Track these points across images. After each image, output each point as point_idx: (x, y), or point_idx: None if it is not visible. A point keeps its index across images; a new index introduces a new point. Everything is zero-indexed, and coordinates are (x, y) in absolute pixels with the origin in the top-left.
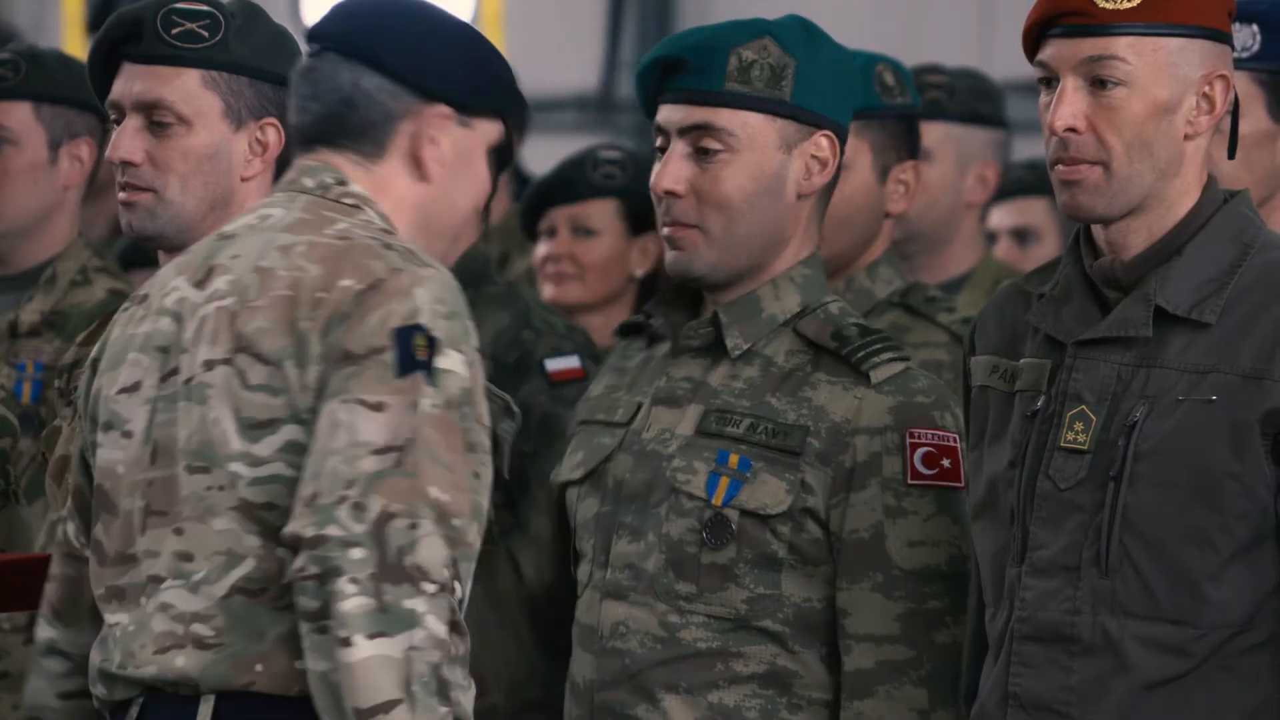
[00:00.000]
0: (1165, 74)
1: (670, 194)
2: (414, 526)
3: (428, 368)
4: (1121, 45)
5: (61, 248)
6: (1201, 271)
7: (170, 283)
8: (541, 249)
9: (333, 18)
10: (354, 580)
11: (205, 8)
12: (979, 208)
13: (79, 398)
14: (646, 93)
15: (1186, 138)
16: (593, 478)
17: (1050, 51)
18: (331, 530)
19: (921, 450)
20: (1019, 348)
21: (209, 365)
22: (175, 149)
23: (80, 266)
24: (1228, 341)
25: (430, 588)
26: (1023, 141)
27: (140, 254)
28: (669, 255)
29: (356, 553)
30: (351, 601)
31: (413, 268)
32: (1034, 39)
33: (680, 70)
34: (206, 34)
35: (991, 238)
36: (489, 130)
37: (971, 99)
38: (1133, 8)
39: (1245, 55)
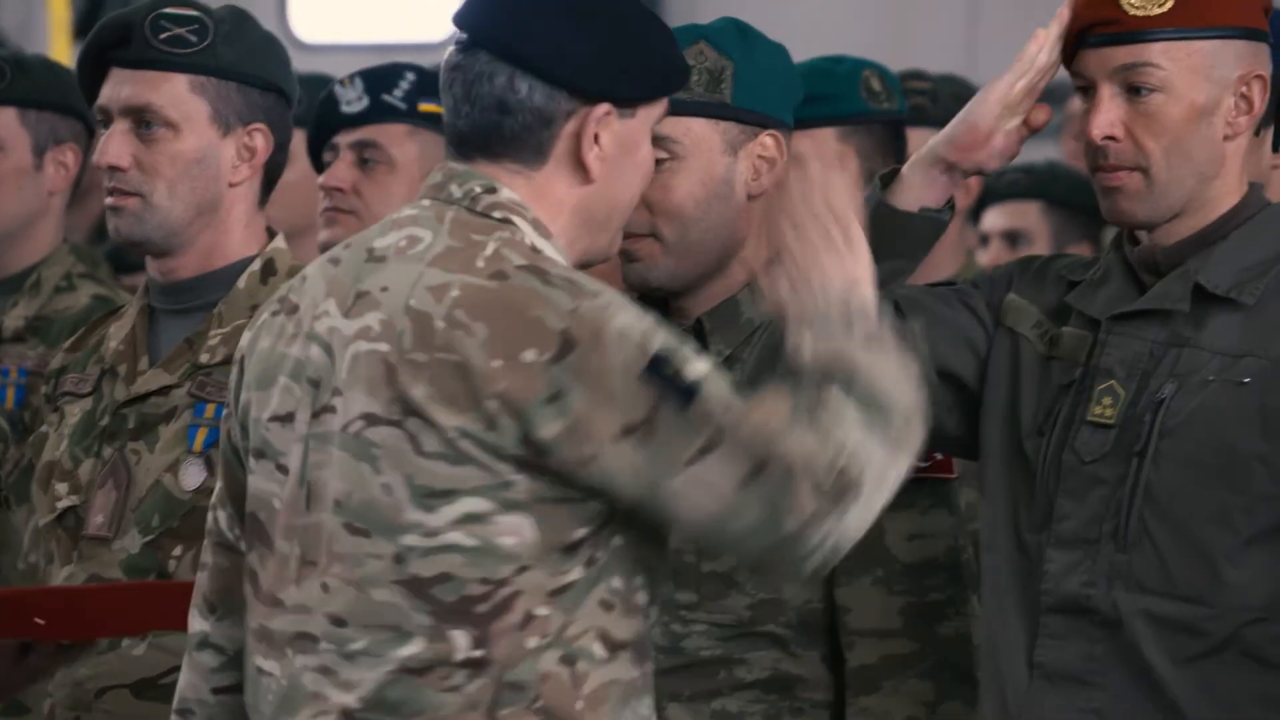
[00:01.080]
0: (1201, 77)
1: None
2: (850, 453)
3: (698, 388)
4: (1155, 51)
5: (46, 253)
6: (1245, 257)
7: (321, 304)
8: None
9: (481, 12)
10: (848, 526)
11: (193, 13)
12: (962, 213)
13: (229, 389)
14: None
15: (1226, 139)
16: None
17: (1085, 60)
18: (811, 554)
19: None
20: (1060, 320)
21: (371, 420)
22: (163, 154)
23: (65, 272)
24: (1265, 326)
25: (860, 453)
26: None
27: (130, 258)
28: (625, 267)
29: (830, 525)
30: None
31: (582, 302)
32: (1071, 50)
33: None
34: (195, 39)
35: (984, 240)
36: (652, 112)
37: (955, 105)
38: (1164, 12)
39: None
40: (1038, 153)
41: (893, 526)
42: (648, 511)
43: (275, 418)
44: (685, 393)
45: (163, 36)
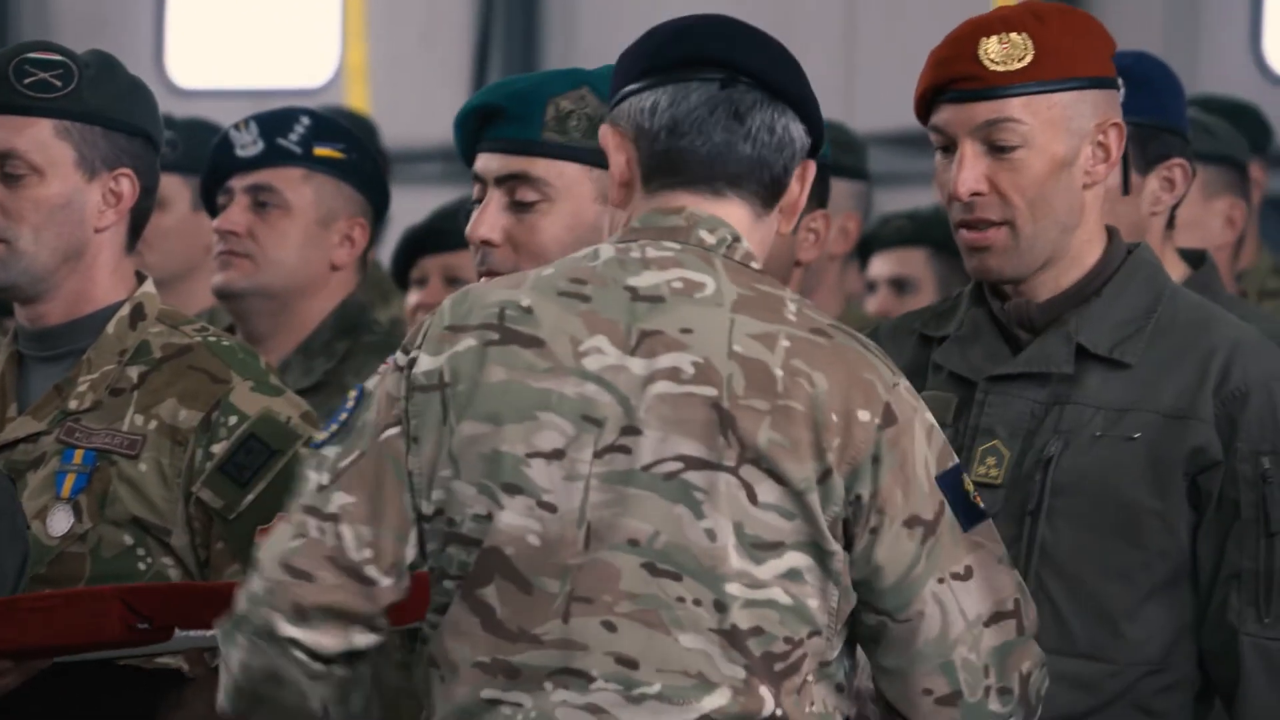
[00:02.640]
0: (1061, 129)
1: (486, 243)
2: (1042, 665)
3: (984, 513)
4: (1016, 106)
5: None
6: (1119, 313)
7: (585, 340)
8: (413, 298)
9: (739, 44)
10: None
11: (58, 57)
12: (840, 259)
13: (413, 415)
14: (465, 141)
15: (1085, 187)
16: None
17: (945, 116)
18: None
19: None
20: (918, 383)
21: (697, 464)
22: (27, 199)
23: None
24: (1148, 381)
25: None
26: (884, 194)
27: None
28: None
29: None
30: None
31: (900, 380)
32: (927, 104)
33: (498, 119)
34: (59, 84)
35: (871, 287)
36: None
37: (834, 151)
38: (1023, 68)
39: None
40: (923, 199)
41: None
42: (890, 602)
43: (538, 454)
44: (974, 514)
45: (27, 81)
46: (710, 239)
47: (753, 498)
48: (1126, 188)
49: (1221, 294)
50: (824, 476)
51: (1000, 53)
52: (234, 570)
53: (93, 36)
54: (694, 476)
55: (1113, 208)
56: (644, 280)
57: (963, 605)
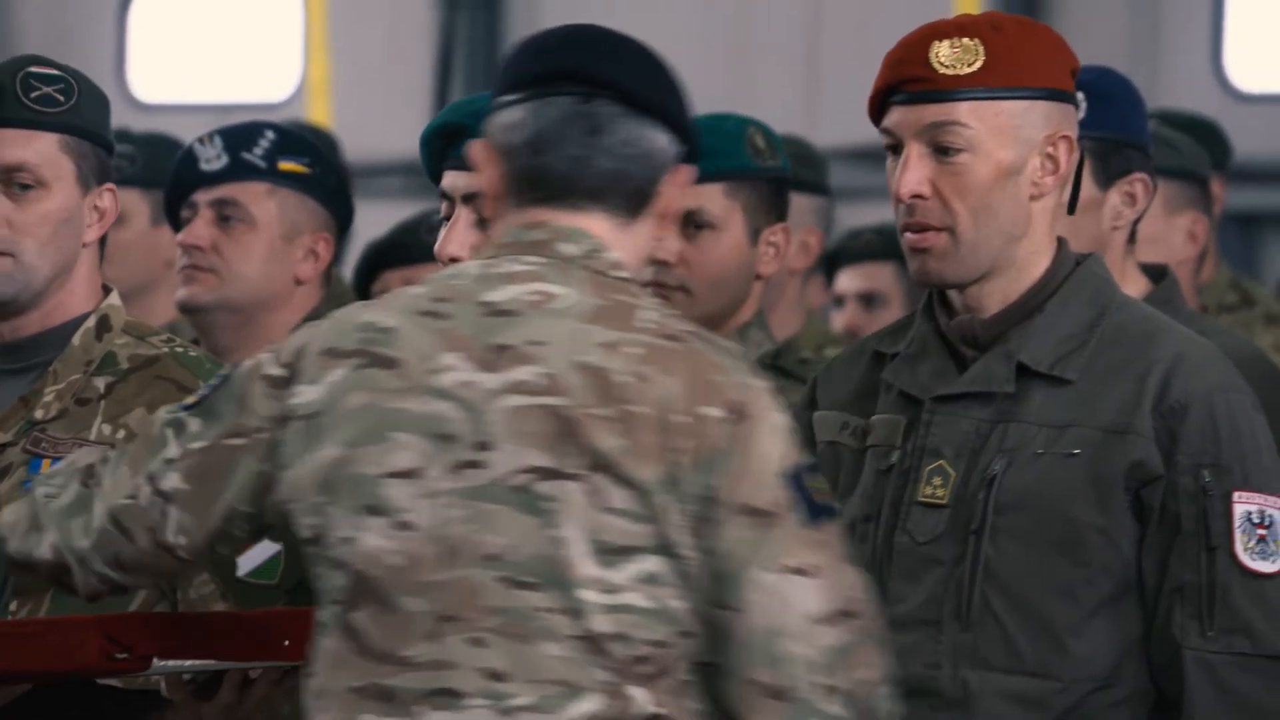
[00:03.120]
0: (1008, 137)
1: (455, 260)
2: (885, 682)
3: (832, 510)
4: (963, 110)
5: None
6: (1061, 329)
7: (437, 358)
8: None
9: (597, 57)
10: None
11: (58, 72)
12: (801, 274)
13: (282, 445)
14: (431, 159)
15: (1032, 199)
16: None
17: (894, 118)
18: None
19: None
20: (869, 405)
21: (547, 474)
22: (34, 213)
23: None
24: (1089, 397)
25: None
26: (845, 208)
27: None
28: None
29: None
30: None
31: (753, 381)
32: (878, 105)
33: (464, 137)
34: (62, 98)
35: (839, 301)
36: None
37: (795, 165)
38: (973, 72)
39: None
40: (886, 214)
41: None
42: (723, 590)
43: (394, 474)
44: (820, 511)
45: (34, 95)
46: (572, 250)
47: (602, 504)
48: (1073, 207)
49: (1183, 308)
50: (672, 478)
51: (951, 56)
52: (202, 579)
53: (54, 50)
54: (543, 487)
55: (1074, 222)
56: (501, 295)
57: (798, 600)
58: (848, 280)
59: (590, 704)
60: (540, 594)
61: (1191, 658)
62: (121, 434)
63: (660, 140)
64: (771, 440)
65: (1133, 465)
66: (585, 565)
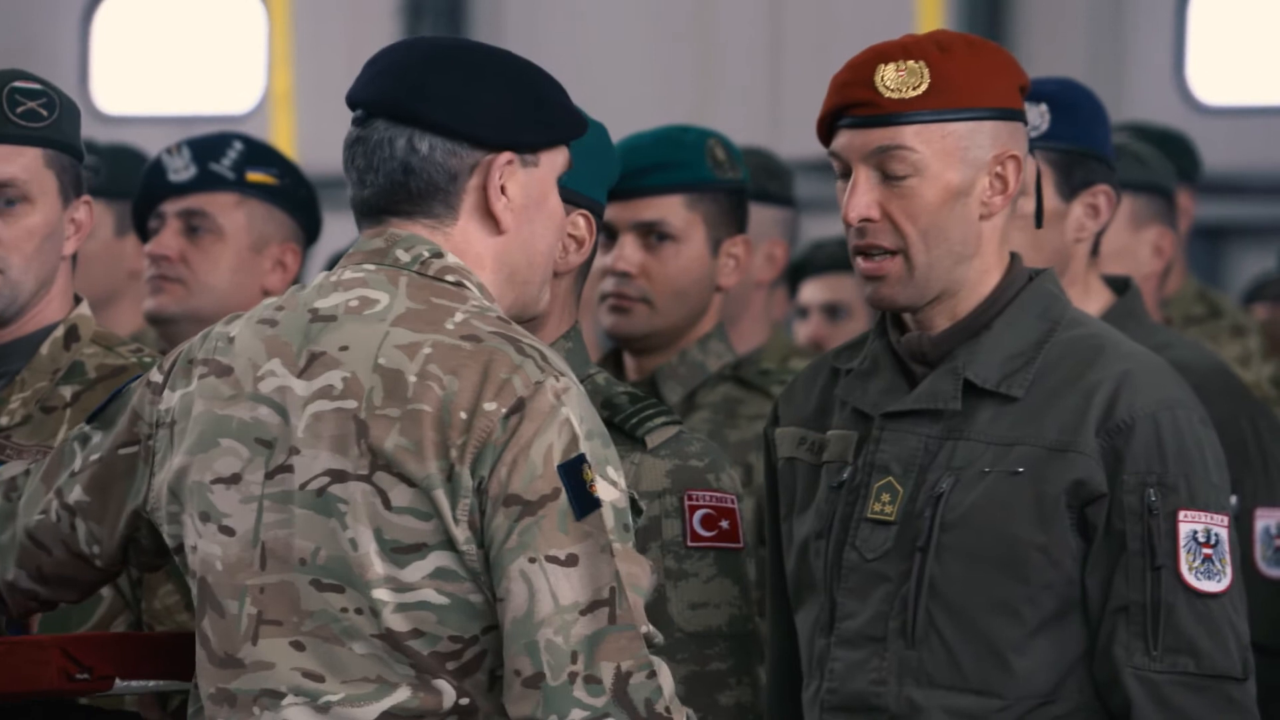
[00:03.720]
0: (955, 158)
1: None
2: (650, 674)
3: (597, 505)
4: (909, 134)
5: None
6: (1008, 346)
7: (263, 365)
8: None
9: (372, 82)
10: None
11: (40, 87)
12: (766, 286)
13: (155, 449)
14: None
15: (982, 218)
16: None
17: (842, 142)
18: (575, 713)
19: (700, 512)
20: (826, 420)
21: (338, 477)
22: (21, 228)
23: None
24: (1034, 414)
25: (681, 718)
26: (814, 220)
27: None
28: None
29: None
30: None
31: (549, 379)
32: (826, 128)
33: None
34: (45, 113)
35: (803, 312)
36: (555, 160)
37: (760, 177)
38: (918, 95)
39: (1035, 135)
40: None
41: (676, 595)
42: (493, 579)
43: (219, 480)
44: (585, 502)
45: (19, 110)
46: (405, 257)
47: (387, 503)
48: (1039, 220)
49: (1145, 321)
50: (449, 473)
51: (896, 80)
52: (167, 590)
53: (17, 61)
54: (337, 489)
55: (1037, 235)
56: (327, 302)
57: (555, 589)
58: (812, 291)
59: (398, 696)
60: (342, 596)
61: (1136, 676)
62: None
63: (427, 144)
64: (550, 434)
65: (1075, 484)
66: (377, 565)
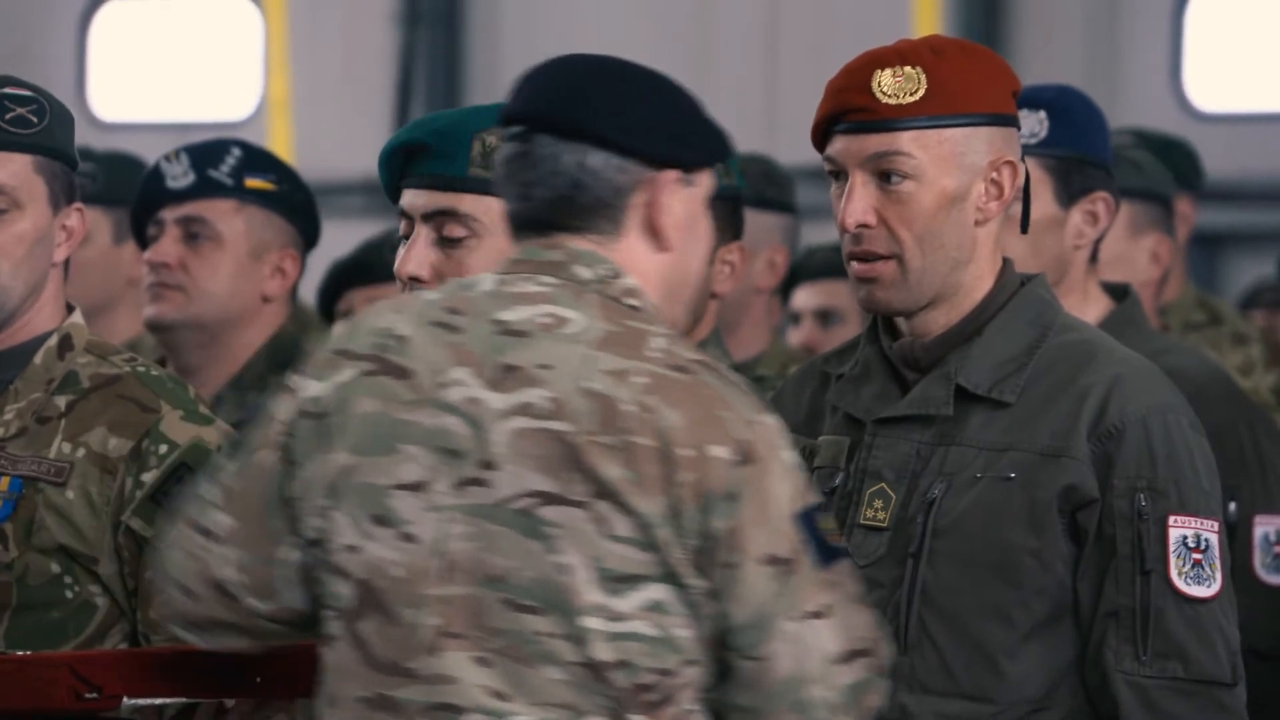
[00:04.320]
0: (952, 164)
1: (415, 279)
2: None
3: (842, 551)
4: (905, 140)
5: None
6: (1000, 352)
7: (447, 372)
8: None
9: (536, 96)
10: None
11: (30, 93)
12: (767, 292)
13: (296, 441)
14: (390, 177)
15: (977, 224)
16: None
17: (838, 147)
18: None
19: None
20: (817, 426)
21: (549, 499)
22: (9, 234)
23: None
24: (1026, 420)
25: None
26: (811, 226)
27: None
28: None
29: None
30: None
31: (759, 417)
32: (822, 133)
33: (423, 155)
34: (35, 119)
35: (795, 318)
36: (706, 183)
37: (760, 183)
38: (915, 101)
39: (1033, 141)
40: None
41: None
42: (743, 639)
43: (401, 486)
44: (830, 552)
45: (8, 116)
46: (586, 274)
47: (606, 532)
48: (1025, 226)
49: (1145, 327)
50: (675, 510)
51: (893, 86)
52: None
53: (13, 69)
54: (546, 512)
55: (1036, 241)
56: (514, 315)
57: (818, 643)
58: (805, 297)
59: None
60: (542, 619)
61: (1125, 681)
62: (81, 453)
63: (597, 160)
64: (782, 482)
65: (1066, 489)
66: (590, 592)
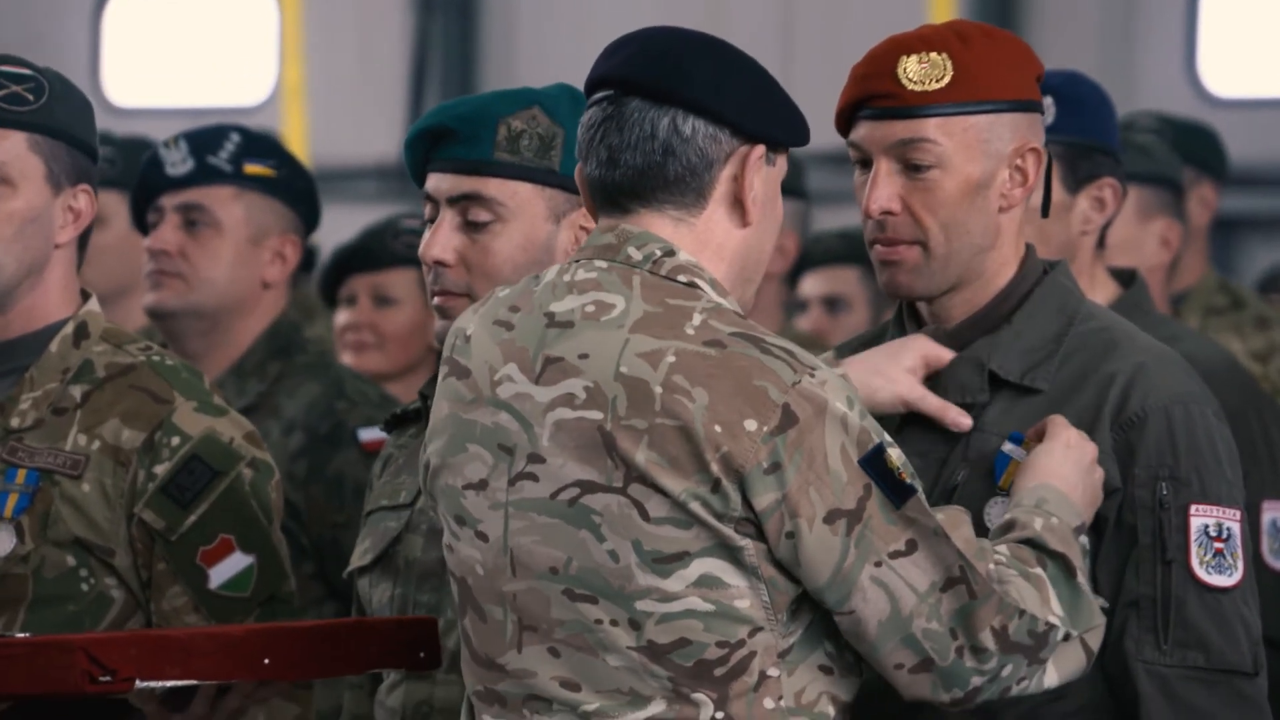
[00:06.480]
0: (977, 151)
1: (439, 263)
2: (1021, 614)
3: (914, 490)
4: (931, 127)
5: None
6: (1030, 340)
7: (499, 369)
8: (341, 317)
9: (629, 61)
10: (1020, 680)
11: (28, 71)
12: (778, 278)
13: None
14: (416, 162)
15: (1001, 210)
16: (382, 562)
17: (862, 133)
18: (976, 681)
19: None
20: None
21: (589, 488)
22: (0, 211)
23: None
24: (1047, 408)
25: (1060, 625)
26: (822, 212)
27: None
28: (438, 324)
29: (1009, 669)
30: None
31: (803, 377)
32: (846, 119)
33: (449, 139)
34: (31, 97)
35: (803, 305)
36: (784, 165)
37: None
38: (941, 88)
39: None
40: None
41: None
42: (829, 597)
43: (469, 486)
44: (903, 490)
45: (2, 94)
46: (636, 255)
47: (644, 515)
48: (1046, 210)
49: (1152, 313)
50: (714, 486)
51: (919, 72)
52: (175, 591)
53: (28, 54)
54: (590, 500)
55: (1043, 227)
56: (562, 305)
57: (909, 580)
58: (811, 284)
59: (653, 710)
60: (596, 607)
61: (1145, 670)
62: (96, 445)
63: (691, 126)
64: (834, 435)
65: None
66: (640, 577)
